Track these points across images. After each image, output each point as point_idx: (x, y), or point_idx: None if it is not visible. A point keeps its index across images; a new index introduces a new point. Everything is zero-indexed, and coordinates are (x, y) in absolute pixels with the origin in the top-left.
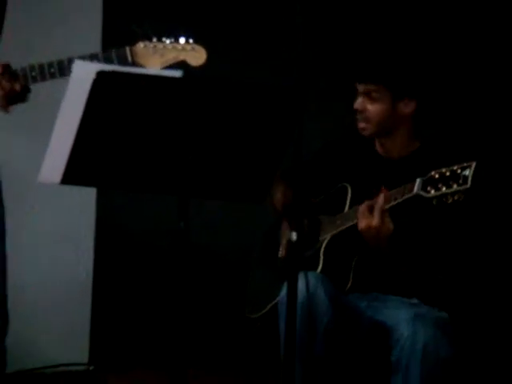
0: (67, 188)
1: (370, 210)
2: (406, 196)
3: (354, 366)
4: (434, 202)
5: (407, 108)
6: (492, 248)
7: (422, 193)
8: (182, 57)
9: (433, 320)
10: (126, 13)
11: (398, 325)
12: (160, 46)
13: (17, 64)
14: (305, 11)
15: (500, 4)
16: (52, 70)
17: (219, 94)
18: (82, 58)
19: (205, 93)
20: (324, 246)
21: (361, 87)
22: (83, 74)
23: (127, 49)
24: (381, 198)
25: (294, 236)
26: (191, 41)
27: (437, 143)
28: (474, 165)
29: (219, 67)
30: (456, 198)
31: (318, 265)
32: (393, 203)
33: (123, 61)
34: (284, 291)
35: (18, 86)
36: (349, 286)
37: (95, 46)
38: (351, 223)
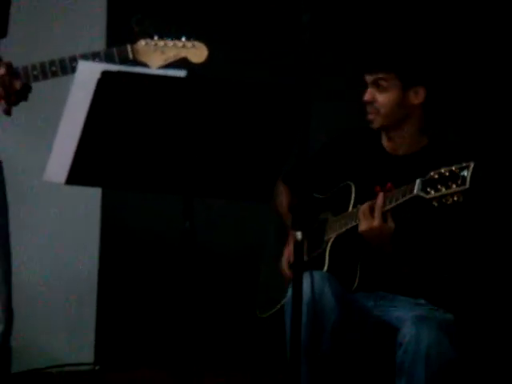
0: (72, 187)
1: (371, 210)
2: (407, 197)
3: (359, 365)
4: (435, 204)
5: (417, 97)
6: (491, 249)
7: (422, 194)
8: (183, 54)
9: (436, 322)
10: (131, 11)
11: (402, 326)
12: (161, 43)
13: (21, 62)
14: (311, 8)
15: None
16: (54, 69)
17: (224, 94)
18: (84, 55)
19: (209, 92)
20: (329, 245)
21: (369, 77)
22: (88, 73)
23: (128, 46)
24: (380, 198)
25: (299, 236)
26: (192, 38)
27: (444, 141)
28: (472, 165)
29: (221, 66)
30: (455, 198)
31: (323, 264)
32: (394, 204)
33: (125, 58)
34: (290, 291)
35: (18, 85)
36: (355, 285)
37: (99, 45)
38: (356, 223)
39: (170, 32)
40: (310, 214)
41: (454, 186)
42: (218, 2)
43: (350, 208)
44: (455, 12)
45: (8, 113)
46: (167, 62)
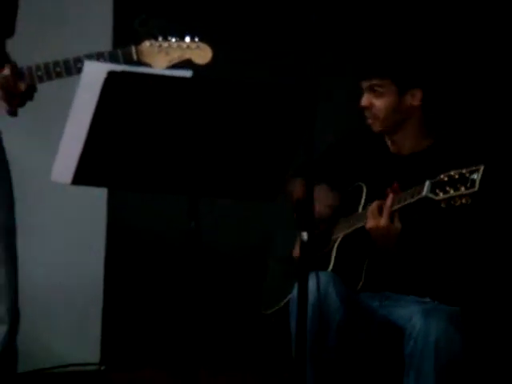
0: (78, 188)
1: (379, 210)
2: (416, 198)
3: (365, 365)
4: (443, 205)
5: (414, 99)
6: (499, 252)
7: (431, 195)
8: (187, 55)
9: (445, 313)
10: (137, 12)
11: (410, 319)
12: (165, 44)
13: (28, 62)
14: (319, 8)
15: None
16: (58, 69)
17: (230, 94)
18: (89, 56)
19: (215, 92)
20: (336, 245)
21: (365, 83)
22: (94, 73)
23: (133, 47)
24: (389, 199)
25: (305, 236)
26: (197, 39)
27: (450, 141)
28: (482, 168)
29: (226, 67)
30: (464, 201)
31: (329, 264)
32: (402, 205)
33: (129, 59)
34: (295, 291)
35: (23, 86)
36: (360, 285)
37: (106, 46)
38: (362, 224)
39: (175, 33)
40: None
41: (463, 188)
42: (224, 2)
43: (360, 209)
44: (447, 11)
45: (14, 114)
46: (171, 63)
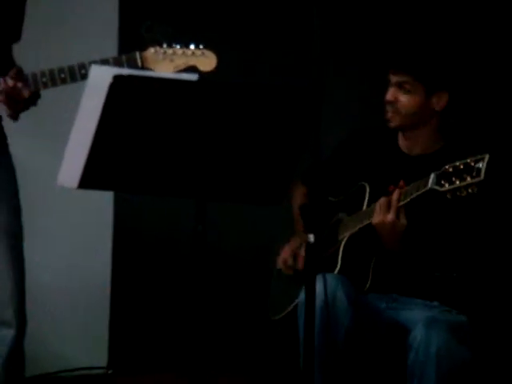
0: (84, 192)
1: (386, 205)
2: (421, 191)
3: (372, 366)
4: (449, 196)
5: (439, 102)
6: (506, 242)
7: (437, 187)
8: (192, 62)
9: (447, 324)
10: (143, 19)
11: (413, 329)
12: (170, 51)
13: (33, 68)
14: (322, 11)
15: None
16: (62, 75)
17: (235, 97)
18: (93, 62)
19: (221, 96)
20: (343, 245)
21: (394, 78)
22: (100, 77)
23: (137, 54)
24: (395, 194)
25: (312, 238)
26: (201, 46)
27: (460, 143)
28: (487, 157)
29: (231, 70)
30: (470, 190)
31: (336, 265)
32: (408, 199)
33: (133, 66)
34: (302, 294)
35: (26, 93)
36: (367, 286)
37: (111, 53)
38: (369, 221)
39: (180, 39)
40: (322, 216)
41: (469, 178)
42: (228, 8)
43: (364, 207)
44: (479, 17)
45: (15, 118)
46: (176, 70)
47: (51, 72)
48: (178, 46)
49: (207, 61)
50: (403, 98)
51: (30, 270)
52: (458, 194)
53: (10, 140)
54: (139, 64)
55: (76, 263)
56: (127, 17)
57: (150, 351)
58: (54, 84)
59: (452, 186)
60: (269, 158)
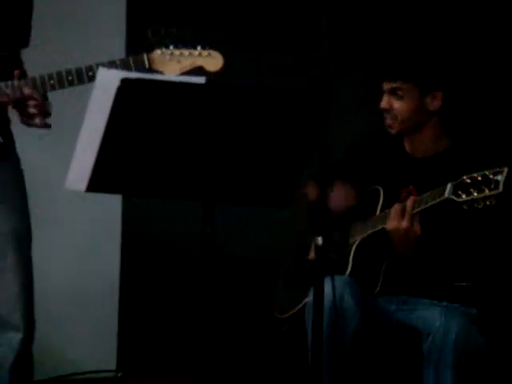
0: (93, 194)
1: (401, 212)
2: (437, 200)
3: (382, 369)
4: (465, 207)
5: (434, 102)
6: None
7: (453, 197)
8: (198, 63)
9: (464, 312)
10: (150, 21)
11: (429, 319)
12: (177, 52)
13: (41, 72)
14: (328, 14)
15: None
16: (70, 78)
17: (243, 100)
18: (100, 65)
19: (229, 98)
20: (354, 248)
21: (387, 85)
22: (107, 81)
23: (144, 55)
24: (410, 201)
25: (320, 240)
26: (207, 47)
27: (468, 142)
28: (506, 170)
29: (238, 72)
30: (487, 202)
31: (346, 268)
32: (423, 207)
33: (141, 67)
34: (311, 296)
35: (36, 95)
36: (378, 289)
37: (119, 55)
38: (381, 227)
39: (187, 42)
40: (331, 219)
41: (487, 190)
42: (234, 9)
43: (378, 212)
44: (469, 13)
45: (27, 124)
46: (183, 71)
47: (59, 74)
48: (185, 48)
49: (214, 61)
50: (397, 104)
51: (39, 274)
52: (475, 205)
53: (17, 144)
54: (146, 65)
55: (84, 266)
56: (134, 18)
57: (158, 354)
58: (62, 86)
59: (469, 197)
60: (277, 161)
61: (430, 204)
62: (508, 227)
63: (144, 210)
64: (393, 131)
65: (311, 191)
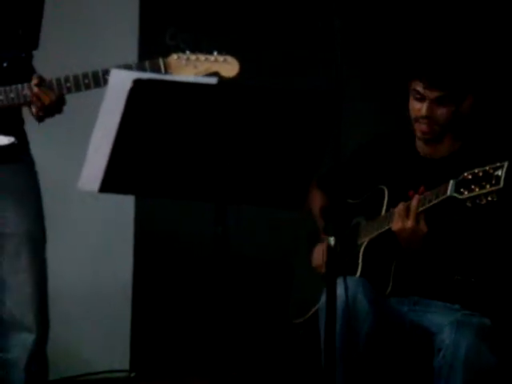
0: (106, 195)
1: (406, 211)
2: (440, 198)
3: (396, 370)
4: (469, 204)
5: (467, 107)
6: None
7: (456, 194)
8: (214, 68)
9: (475, 327)
10: (163, 25)
11: (440, 332)
12: (193, 57)
13: (53, 75)
14: (342, 14)
15: None
16: (87, 81)
17: (255, 100)
18: (117, 68)
19: (241, 99)
20: (362, 250)
21: (432, 94)
22: (120, 82)
23: (161, 60)
24: (415, 201)
25: (332, 241)
26: (224, 52)
27: (477, 143)
28: (506, 165)
29: (252, 73)
30: (489, 198)
31: (357, 269)
32: (427, 206)
33: (157, 72)
34: (323, 297)
35: (53, 96)
36: (389, 289)
37: (132, 59)
38: (388, 226)
39: (202, 46)
40: (342, 219)
41: (488, 185)
42: (248, 13)
43: (383, 212)
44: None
45: (41, 119)
46: (199, 76)
47: (75, 77)
48: (201, 53)
49: (230, 67)
50: (440, 111)
51: (52, 274)
52: (477, 201)
53: (31, 146)
54: (162, 70)
55: (98, 267)
56: (147, 22)
57: (171, 354)
58: (78, 89)
59: (471, 194)
60: (289, 162)
61: (433, 202)
62: (510, 222)
63: (157, 211)
64: (428, 137)
65: (313, 194)
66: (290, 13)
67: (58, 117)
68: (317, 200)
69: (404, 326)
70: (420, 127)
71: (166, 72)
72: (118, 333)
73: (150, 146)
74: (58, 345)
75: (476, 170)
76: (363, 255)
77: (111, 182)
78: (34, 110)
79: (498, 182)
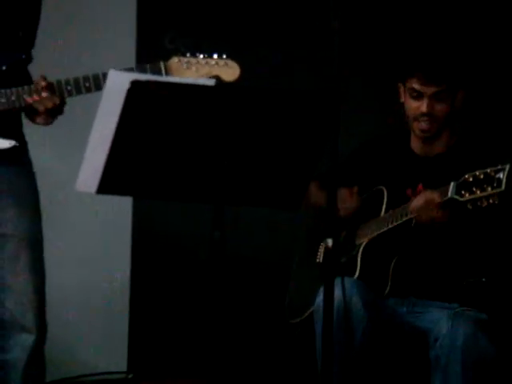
0: (104, 196)
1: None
2: (441, 200)
3: (392, 371)
4: (469, 206)
5: (460, 101)
6: None
7: (457, 197)
8: (215, 72)
9: (472, 318)
10: (160, 27)
11: (437, 323)
12: (193, 61)
13: (51, 78)
14: (340, 15)
15: None
16: (87, 84)
17: (253, 101)
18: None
19: (239, 100)
20: (361, 250)
21: (429, 89)
22: (118, 83)
23: (161, 63)
24: (434, 194)
25: (330, 242)
26: (224, 56)
27: (472, 139)
28: (507, 167)
29: (251, 74)
30: (491, 201)
31: (355, 270)
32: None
33: (157, 75)
34: (320, 297)
35: (57, 99)
36: (387, 290)
37: (130, 61)
38: (387, 227)
39: (201, 49)
40: (341, 221)
41: (490, 188)
42: (246, 12)
43: (383, 212)
44: (475, 10)
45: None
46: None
47: (76, 80)
48: (202, 56)
49: (230, 71)
50: (439, 107)
51: (50, 275)
52: (478, 204)
53: (29, 147)
54: (163, 73)
55: (96, 269)
56: (145, 26)
57: (169, 356)
58: (79, 92)
59: (472, 196)
60: (287, 162)
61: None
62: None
63: (154, 212)
64: (429, 134)
65: (314, 192)
66: (289, 14)
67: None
68: (316, 196)
69: (402, 328)
70: (420, 126)
71: (167, 75)
72: (116, 334)
73: (147, 147)
74: (55, 346)
75: (477, 172)
76: (362, 255)
77: (109, 184)
78: (37, 114)
79: (499, 185)
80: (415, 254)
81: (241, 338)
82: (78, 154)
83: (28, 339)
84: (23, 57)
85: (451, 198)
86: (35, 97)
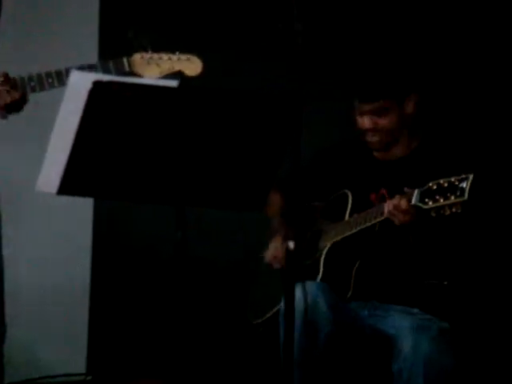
0: (64, 198)
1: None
2: (407, 206)
3: (355, 375)
4: (433, 214)
5: (411, 105)
6: (490, 258)
7: (420, 204)
8: (177, 67)
9: (435, 331)
10: (123, 23)
11: (399, 335)
12: (156, 56)
13: (13, 74)
14: (303, 17)
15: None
16: (50, 80)
17: (216, 103)
18: (81, 68)
19: (201, 102)
20: (324, 253)
21: (367, 107)
22: (80, 83)
23: (124, 59)
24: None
25: (292, 245)
26: (185, 50)
27: (435, 141)
28: (471, 177)
29: (213, 76)
30: (454, 210)
31: (318, 273)
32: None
33: (121, 71)
34: (283, 302)
35: (17, 95)
36: (350, 294)
37: (92, 57)
38: (351, 231)
39: (164, 45)
40: (302, 222)
41: (453, 197)
42: (209, 11)
43: (347, 216)
44: (436, 14)
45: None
46: (162, 75)
47: (39, 76)
48: (164, 52)
49: (193, 66)
50: (382, 121)
51: (10, 277)
52: (441, 212)
53: None
54: (126, 69)
55: (55, 269)
56: (107, 21)
57: (128, 358)
58: (42, 88)
59: (435, 204)
60: (250, 164)
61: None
62: (474, 234)
63: (116, 212)
64: (377, 147)
65: (273, 198)
66: (251, 14)
67: (18, 116)
68: (275, 201)
69: (364, 330)
70: (368, 139)
71: (131, 70)
72: (75, 336)
73: (109, 148)
74: (14, 347)
75: (441, 181)
76: (325, 259)
77: (70, 184)
78: None
79: (462, 194)
80: (378, 258)
81: (201, 339)
82: (38, 154)
83: None
84: None
85: (414, 206)
86: None
